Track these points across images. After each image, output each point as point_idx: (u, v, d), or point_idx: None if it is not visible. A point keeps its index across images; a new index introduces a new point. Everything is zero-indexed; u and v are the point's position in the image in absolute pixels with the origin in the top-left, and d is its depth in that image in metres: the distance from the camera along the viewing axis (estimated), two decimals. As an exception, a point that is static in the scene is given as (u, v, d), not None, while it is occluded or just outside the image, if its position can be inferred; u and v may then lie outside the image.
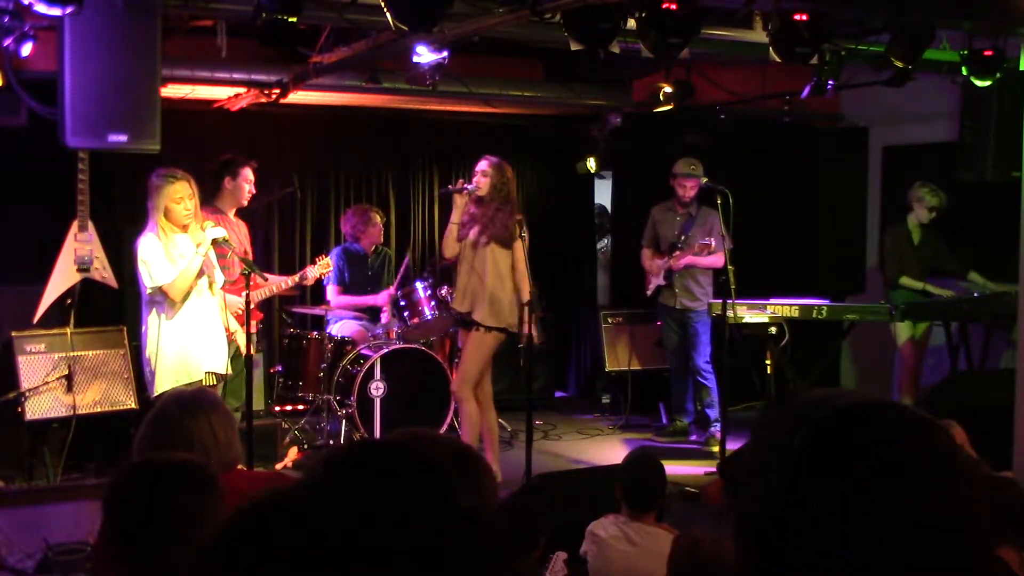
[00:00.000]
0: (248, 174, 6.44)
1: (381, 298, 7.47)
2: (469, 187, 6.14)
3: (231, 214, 6.46)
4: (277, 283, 6.58)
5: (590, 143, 8.68)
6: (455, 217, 6.17)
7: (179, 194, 5.37)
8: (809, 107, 8.09)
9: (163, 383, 5.32)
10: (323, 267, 6.65)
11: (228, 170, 6.44)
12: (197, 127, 7.44)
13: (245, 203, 6.51)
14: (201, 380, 5.46)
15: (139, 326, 5.56)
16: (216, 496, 2.13)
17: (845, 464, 1.00)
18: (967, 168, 6.77)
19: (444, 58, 5.73)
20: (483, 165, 6.17)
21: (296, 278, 6.57)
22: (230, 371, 5.66)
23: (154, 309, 5.38)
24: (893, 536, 0.97)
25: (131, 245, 5.53)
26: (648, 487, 3.93)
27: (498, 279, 6.05)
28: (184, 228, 5.42)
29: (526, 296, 6.06)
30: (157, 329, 5.37)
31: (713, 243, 7.10)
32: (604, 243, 9.92)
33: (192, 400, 2.92)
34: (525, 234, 6.20)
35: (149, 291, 5.33)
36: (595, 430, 8.13)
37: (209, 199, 6.51)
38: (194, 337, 5.45)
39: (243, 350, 5.79)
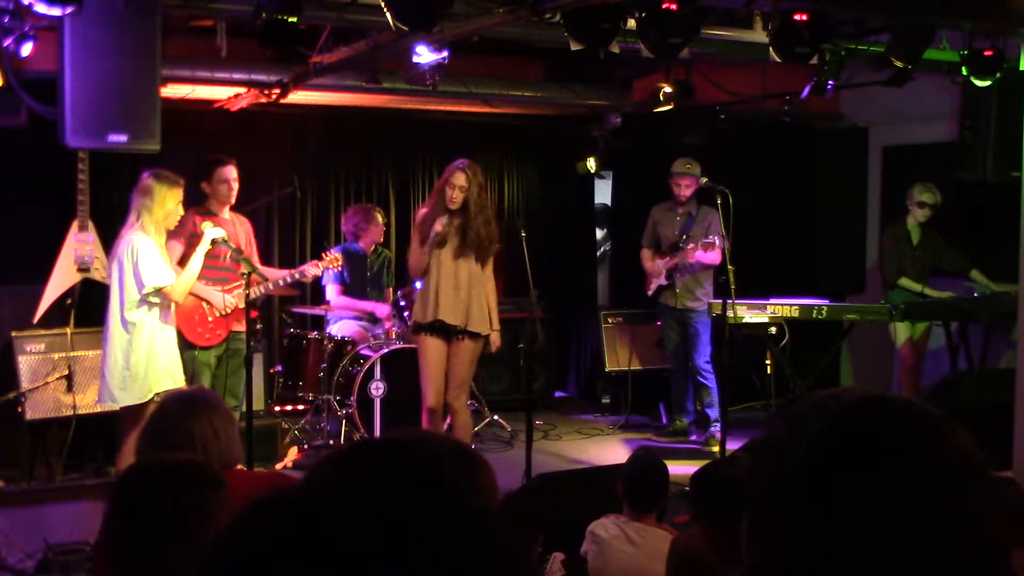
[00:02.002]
0: (223, 173, 6.13)
1: (382, 309, 7.45)
2: (440, 229, 5.88)
3: (223, 213, 6.24)
4: (274, 277, 6.38)
5: (590, 143, 8.68)
6: (427, 249, 5.90)
7: (179, 198, 5.41)
8: (809, 107, 8.08)
9: (156, 386, 5.29)
10: (331, 262, 6.52)
11: (204, 174, 6.21)
12: (197, 127, 7.44)
13: (231, 201, 6.23)
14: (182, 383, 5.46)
15: (109, 326, 5.39)
16: (221, 496, 2.13)
17: (860, 456, 1.00)
18: (967, 168, 6.77)
19: (444, 58, 5.73)
20: (460, 179, 5.82)
21: (296, 274, 6.38)
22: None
23: (143, 309, 5.34)
24: (907, 530, 0.97)
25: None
26: (651, 487, 3.93)
27: (480, 288, 5.94)
28: (166, 231, 5.46)
29: (494, 303, 6.01)
30: (151, 331, 5.34)
31: (717, 241, 7.10)
32: (606, 247, 9.92)
33: (192, 399, 2.92)
34: (524, 234, 6.20)
35: (146, 291, 5.31)
36: (595, 430, 8.12)
37: (201, 201, 6.39)
38: (173, 341, 5.49)
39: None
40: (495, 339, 6.03)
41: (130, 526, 2.13)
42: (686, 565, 3.09)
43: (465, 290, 5.88)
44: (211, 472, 2.22)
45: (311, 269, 6.45)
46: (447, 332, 5.93)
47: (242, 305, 5.81)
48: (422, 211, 6.14)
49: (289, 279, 6.41)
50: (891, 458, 0.99)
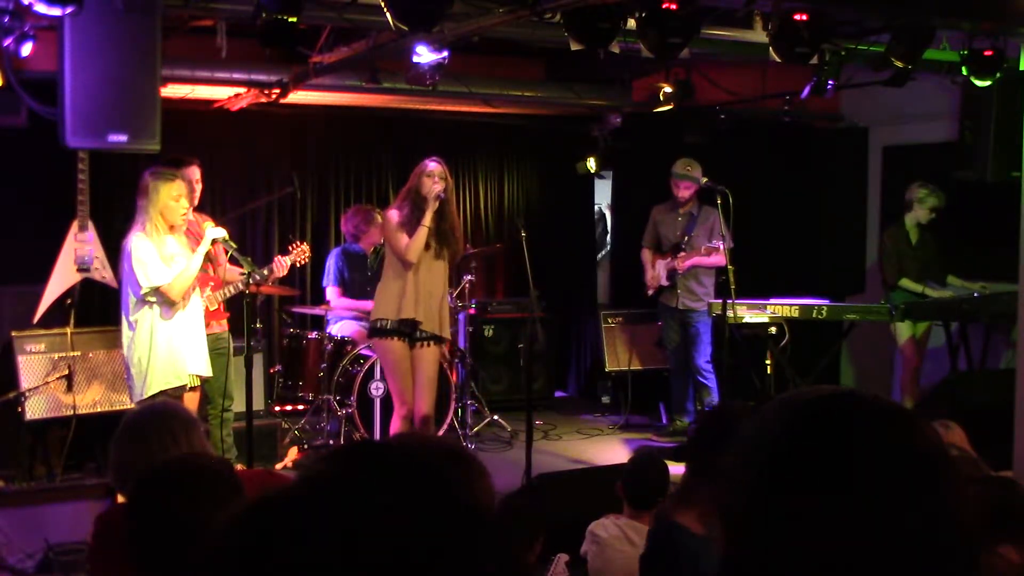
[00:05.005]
0: (186, 174, 5.78)
1: None
2: (440, 195, 5.74)
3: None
4: (236, 279, 5.94)
5: (590, 143, 8.68)
6: (428, 220, 5.68)
7: (176, 192, 5.37)
8: (809, 107, 8.08)
9: (154, 385, 5.28)
10: (299, 254, 6.19)
11: None
12: (197, 127, 7.44)
13: (194, 203, 5.88)
14: (187, 383, 5.42)
15: (120, 326, 5.40)
16: (241, 500, 2.13)
17: (824, 454, 1.00)
18: (967, 168, 6.77)
19: (444, 58, 5.72)
20: (437, 167, 5.73)
21: (264, 271, 5.87)
22: (210, 372, 5.60)
23: (144, 308, 5.31)
24: (872, 528, 0.96)
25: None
26: (651, 487, 3.94)
27: (444, 293, 5.86)
28: (172, 228, 5.41)
29: (447, 310, 5.92)
30: (150, 330, 5.31)
31: (721, 245, 7.10)
32: (604, 252, 9.93)
33: (162, 408, 2.96)
34: (524, 234, 6.20)
35: (144, 291, 5.29)
36: (595, 430, 8.12)
37: None
38: (183, 339, 5.42)
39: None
40: (447, 348, 5.96)
41: (150, 528, 2.12)
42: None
43: (435, 294, 5.78)
44: (232, 475, 2.22)
45: (278, 266, 6.00)
46: (411, 336, 5.76)
47: (212, 307, 5.78)
48: (393, 212, 5.82)
49: (257, 277, 5.89)
50: (856, 456, 0.99)
